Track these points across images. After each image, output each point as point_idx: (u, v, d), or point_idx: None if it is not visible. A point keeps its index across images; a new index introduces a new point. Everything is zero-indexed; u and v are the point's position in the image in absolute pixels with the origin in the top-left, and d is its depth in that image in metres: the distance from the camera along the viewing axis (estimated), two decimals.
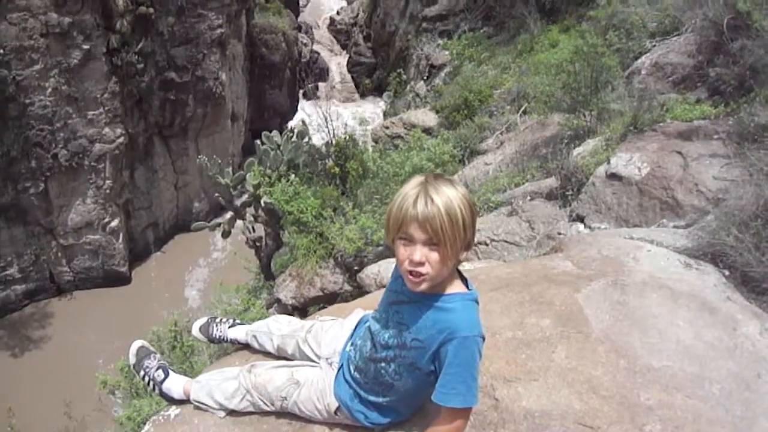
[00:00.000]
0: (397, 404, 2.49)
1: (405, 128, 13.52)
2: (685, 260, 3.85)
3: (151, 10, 14.91)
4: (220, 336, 3.21)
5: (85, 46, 13.53)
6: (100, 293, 16.48)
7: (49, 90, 13.20)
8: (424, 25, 18.05)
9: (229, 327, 3.21)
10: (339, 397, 2.57)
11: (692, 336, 2.92)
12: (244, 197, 11.14)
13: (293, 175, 10.20)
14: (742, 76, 6.06)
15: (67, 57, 13.36)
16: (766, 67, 5.40)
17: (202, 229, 11.64)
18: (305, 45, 28.14)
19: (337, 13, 29.96)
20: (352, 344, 2.65)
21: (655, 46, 8.09)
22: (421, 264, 2.16)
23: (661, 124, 6.54)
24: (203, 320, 3.28)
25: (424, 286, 2.21)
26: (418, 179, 2.23)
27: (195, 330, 3.27)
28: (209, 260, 18.06)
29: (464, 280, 2.33)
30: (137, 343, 3.13)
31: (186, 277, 17.51)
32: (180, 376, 3.00)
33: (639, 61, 8.09)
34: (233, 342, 3.22)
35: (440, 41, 16.41)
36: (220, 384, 2.79)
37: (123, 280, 16.85)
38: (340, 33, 29.86)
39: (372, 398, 2.50)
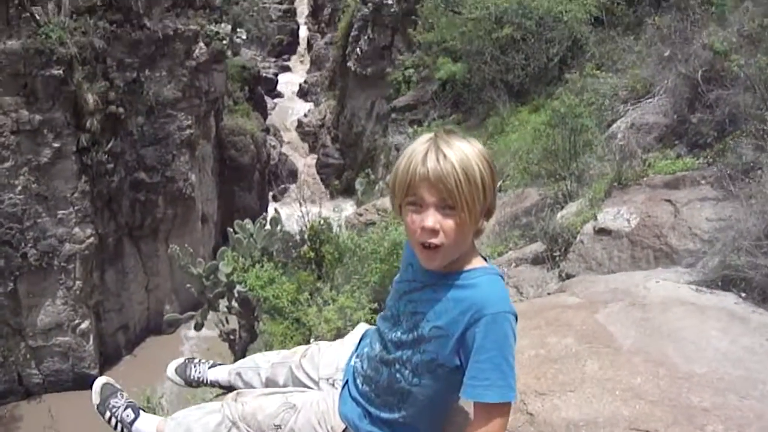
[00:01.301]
0: (417, 420, 2.06)
1: (379, 214, 13.41)
2: (697, 288, 3.69)
3: (121, 109, 14.95)
4: (198, 377, 2.81)
5: (56, 145, 13.43)
6: (70, 396, 15.59)
7: (19, 188, 13.02)
8: (393, 115, 18.37)
9: (209, 368, 2.82)
10: (345, 417, 2.16)
11: (728, 343, 2.72)
12: (218, 288, 10.83)
13: (267, 262, 9.97)
14: (722, 126, 6.10)
15: (38, 155, 13.24)
16: (747, 108, 5.41)
17: (175, 322, 11.24)
18: (274, 147, 28.40)
19: (305, 115, 30.47)
20: (357, 356, 2.28)
21: (629, 110, 8.20)
22: (435, 232, 1.81)
23: (645, 178, 6.51)
24: (180, 360, 2.88)
25: (440, 261, 1.87)
26: (426, 135, 1.90)
27: (170, 371, 2.86)
28: (186, 353, 17.43)
29: (483, 258, 1.98)
30: (101, 381, 2.75)
31: (157, 381, 16.85)
32: (152, 415, 2.60)
33: (615, 125, 8.17)
34: (214, 384, 2.80)
35: (410, 130, 16.64)
36: (201, 419, 2.36)
37: (93, 383, 15.99)
38: (308, 135, 30.27)
39: (385, 415, 2.08)
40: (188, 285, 11.24)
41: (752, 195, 4.38)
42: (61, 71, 12.81)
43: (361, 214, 14.11)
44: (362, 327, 2.48)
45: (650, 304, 3.13)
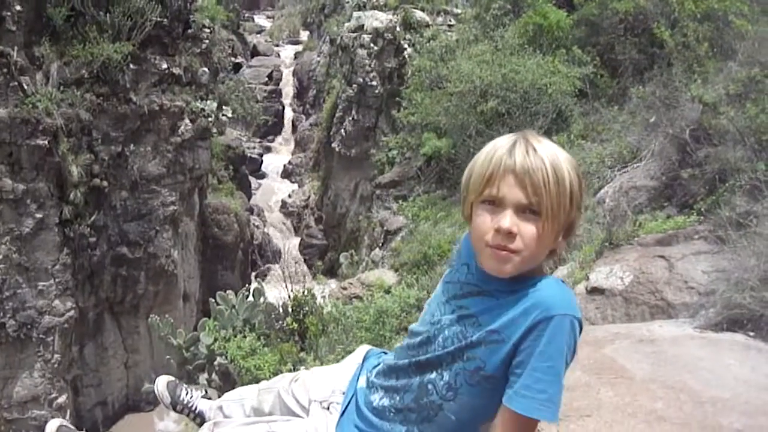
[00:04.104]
0: None
1: (364, 288, 13.25)
2: (701, 331, 3.55)
3: (105, 183, 14.84)
4: (187, 402, 2.57)
5: (38, 215, 13.23)
6: None
7: (0, 257, 12.73)
8: (378, 192, 18.41)
9: (201, 396, 2.59)
10: None
11: (749, 371, 2.57)
12: (198, 360, 10.50)
13: (250, 333, 9.72)
14: (712, 183, 6.09)
15: (20, 225, 13.03)
16: (738, 162, 5.40)
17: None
18: (257, 227, 28.26)
19: (289, 196, 30.50)
20: (369, 372, 1.97)
21: (616, 176, 8.22)
22: (512, 236, 1.57)
23: (636, 238, 6.45)
24: (171, 378, 2.67)
25: (512, 268, 1.60)
26: (512, 134, 1.68)
27: (161, 385, 2.64)
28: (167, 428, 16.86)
29: None
30: (55, 423, 2.58)
31: None
32: None
33: (603, 190, 8.17)
34: (198, 415, 2.54)
35: (395, 205, 16.66)
36: None
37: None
38: (292, 215, 30.22)
39: None
40: (168, 356, 10.88)
41: (750, 239, 4.31)
42: (46, 142, 12.76)
43: (345, 288, 13.93)
44: (364, 348, 2.19)
45: (659, 339, 2.99)
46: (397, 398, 1.81)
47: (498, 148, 1.64)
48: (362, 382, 1.99)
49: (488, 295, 1.70)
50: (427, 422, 1.75)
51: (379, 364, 1.98)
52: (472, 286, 1.74)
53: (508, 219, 1.58)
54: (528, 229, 1.58)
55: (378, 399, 1.87)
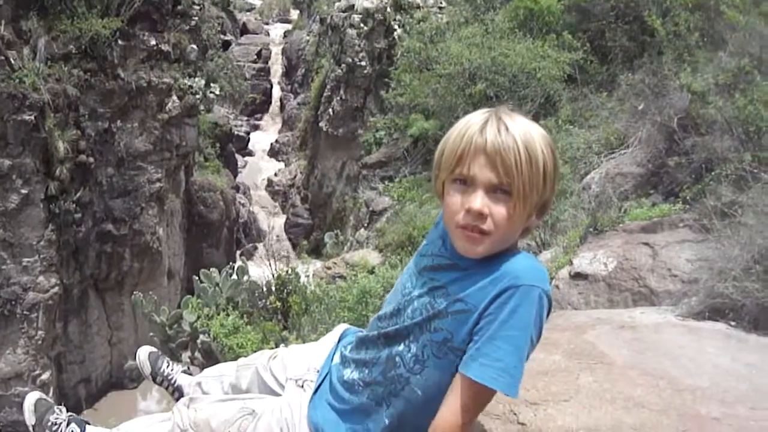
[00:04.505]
0: (405, 421, 1.72)
1: (348, 268, 13.25)
2: (683, 319, 3.58)
3: (91, 159, 14.71)
4: (167, 374, 2.55)
5: (24, 191, 13.10)
6: None
7: None
8: (364, 172, 18.38)
9: (181, 371, 2.58)
10: (315, 425, 1.84)
11: (729, 360, 2.60)
12: (181, 338, 10.50)
13: (233, 311, 9.72)
14: (698, 172, 6.12)
15: (5, 200, 12.91)
16: (725, 152, 5.43)
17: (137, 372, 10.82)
18: (243, 205, 28.16)
19: (275, 174, 30.39)
20: (341, 352, 1.96)
21: (603, 162, 8.24)
22: (482, 216, 1.55)
23: (621, 224, 6.47)
24: (153, 348, 2.65)
25: (483, 249, 1.59)
26: (485, 109, 1.64)
27: (143, 354, 2.62)
28: (144, 413, 16.83)
29: None
30: (33, 396, 2.43)
31: None
32: (99, 428, 2.30)
33: (589, 176, 8.19)
34: (177, 389, 2.52)
35: (381, 186, 16.64)
36: (148, 428, 2.11)
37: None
38: (278, 194, 30.12)
39: (368, 421, 1.76)
40: (151, 334, 10.89)
41: (734, 229, 4.34)
42: (33, 117, 12.61)
43: (329, 268, 13.94)
44: (341, 327, 2.17)
45: (640, 326, 3.01)
46: (366, 371, 1.80)
47: (470, 125, 1.61)
48: (337, 359, 1.98)
49: (460, 269, 1.67)
50: (394, 396, 1.73)
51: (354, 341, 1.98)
52: (445, 259, 1.72)
53: (479, 200, 1.56)
54: (499, 210, 1.56)
55: (349, 373, 1.86)
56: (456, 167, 1.60)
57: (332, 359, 2.00)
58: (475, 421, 1.77)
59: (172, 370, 2.57)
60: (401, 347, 1.72)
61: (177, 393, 2.54)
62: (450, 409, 1.59)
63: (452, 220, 1.62)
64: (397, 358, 1.72)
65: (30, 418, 2.39)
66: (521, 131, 1.56)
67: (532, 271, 1.58)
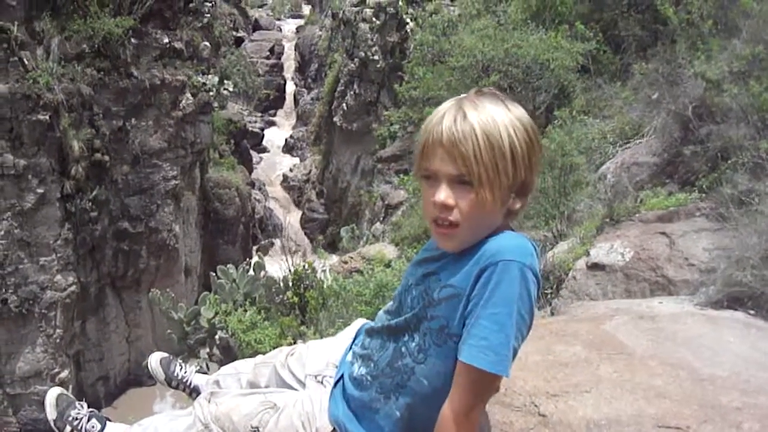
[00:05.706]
0: (416, 414, 1.72)
1: (364, 262, 13.27)
2: (702, 308, 3.57)
3: (107, 157, 14.82)
4: (182, 377, 2.57)
5: (40, 190, 13.22)
6: None
7: (2, 233, 12.75)
8: (379, 166, 18.40)
9: (195, 371, 2.60)
10: (335, 419, 1.85)
11: (749, 348, 2.59)
12: (199, 334, 10.58)
13: (250, 306, 9.77)
14: (714, 161, 6.07)
15: (21, 200, 13.03)
16: (740, 140, 5.39)
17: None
18: (259, 201, 28.27)
19: (290, 170, 30.48)
20: (353, 350, 1.97)
21: (618, 152, 8.19)
22: (448, 208, 1.56)
23: (638, 214, 6.44)
24: (164, 354, 2.66)
25: (455, 243, 1.61)
26: (453, 98, 1.65)
27: (154, 361, 2.64)
28: (162, 410, 16.95)
29: None
30: (54, 392, 2.51)
31: None
32: (120, 424, 2.32)
33: (604, 166, 8.14)
34: (195, 390, 2.54)
35: (396, 179, 16.63)
36: (169, 422, 2.12)
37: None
38: (293, 189, 30.23)
39: (379, 415, 1.77)
40: (169, 331, 10.96)
41: (751, 217, 4.32)
42: (47, 117, 12.72)
43: (346, 262, 13.95)
44: (359, 322, 2.16)
45: (659, 316, 3.01)
46: (372, 365, 1.82)
47: (433, 117, 1.62)
48: (349, 357, 1.99)
49: (449, 255, 1.69)
50: (401, 388, 1.73)
51: None
52: (435, 251, 1.74)
53: (442, 193, 1.57)
54: (463, 200, 1.56)
55: (357, 368, 1.88)
56: (421, 162, 1.62)
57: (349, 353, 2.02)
58: (484, 410, 1.78)
59: (185, 372, 2.60)
60: (406, 338, 1.74)
61: (194, 393, 2.55)
62: (453, 396, 1.60)
63: (427, 217, 1.65)
64: (403, 349, 1.74)
65: (51, 413, 2.47)
66: (481, 118, 1.55)
67: (513, 247, 1.57)
